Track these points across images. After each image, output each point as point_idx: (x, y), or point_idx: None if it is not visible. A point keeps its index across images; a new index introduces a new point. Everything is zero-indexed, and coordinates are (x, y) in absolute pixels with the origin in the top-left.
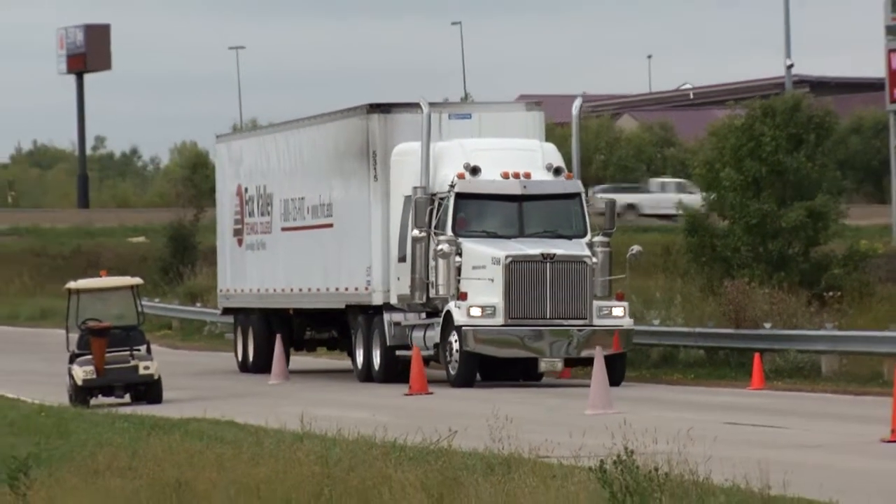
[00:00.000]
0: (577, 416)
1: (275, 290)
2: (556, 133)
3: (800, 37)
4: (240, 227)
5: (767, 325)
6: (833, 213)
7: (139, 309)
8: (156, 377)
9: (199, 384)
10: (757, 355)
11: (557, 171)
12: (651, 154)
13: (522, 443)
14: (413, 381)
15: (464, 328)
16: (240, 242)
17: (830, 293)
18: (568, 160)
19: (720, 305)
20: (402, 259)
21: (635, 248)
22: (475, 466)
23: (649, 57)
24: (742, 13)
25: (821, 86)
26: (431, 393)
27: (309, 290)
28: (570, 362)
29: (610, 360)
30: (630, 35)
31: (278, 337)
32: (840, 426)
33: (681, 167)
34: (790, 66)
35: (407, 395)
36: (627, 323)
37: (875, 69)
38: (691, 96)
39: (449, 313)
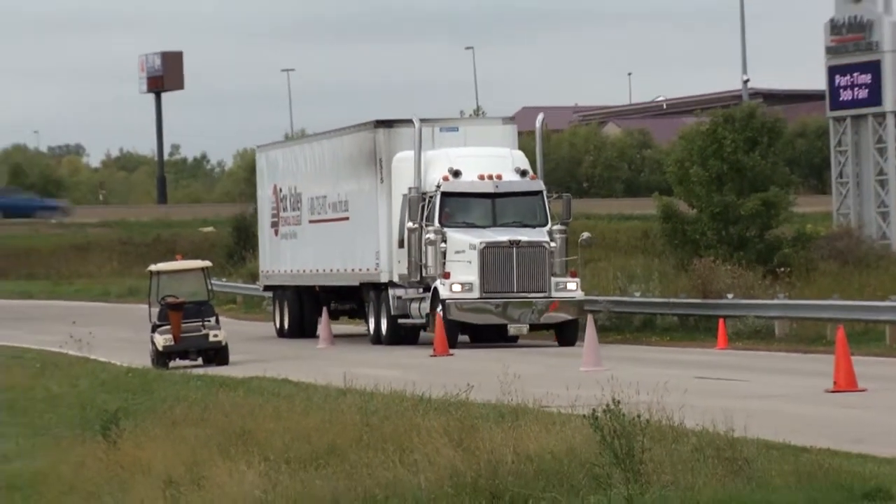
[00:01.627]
0: (572, 373)
1: (304, 271)
2: (552, 139)
3: (754, 56)
4: (276, 219)
5: (730, 296)
6: (783, 202)
7: (209, 287)
8: (223, 343)
9: (258, 349)
10: (721, 321)
11: (524, 174)
12: (632, 155)
13: (527, 395)
14: (437, 344)
15: (447, 301)
16: (276, 232)
17: (782, 269)
18: (535, 164)
19: (690, 280)
20: (401, 245)
21: (586, 234)
22: (489, 415)
23: (629, 74)
24: (706, 37)
25: (772, 97)
26: (452, 354)
27: (331, 270)
28: (533, 327)
29: (566, 325)
30: (614, 56)
31: (324, 309)
32: (791, 379)
33: (657, 166)
34: (746, 81)
35: (432, 356)
36: (579, 295)
37: (817, 83)
38: (664, 106)
39: (436, 289)
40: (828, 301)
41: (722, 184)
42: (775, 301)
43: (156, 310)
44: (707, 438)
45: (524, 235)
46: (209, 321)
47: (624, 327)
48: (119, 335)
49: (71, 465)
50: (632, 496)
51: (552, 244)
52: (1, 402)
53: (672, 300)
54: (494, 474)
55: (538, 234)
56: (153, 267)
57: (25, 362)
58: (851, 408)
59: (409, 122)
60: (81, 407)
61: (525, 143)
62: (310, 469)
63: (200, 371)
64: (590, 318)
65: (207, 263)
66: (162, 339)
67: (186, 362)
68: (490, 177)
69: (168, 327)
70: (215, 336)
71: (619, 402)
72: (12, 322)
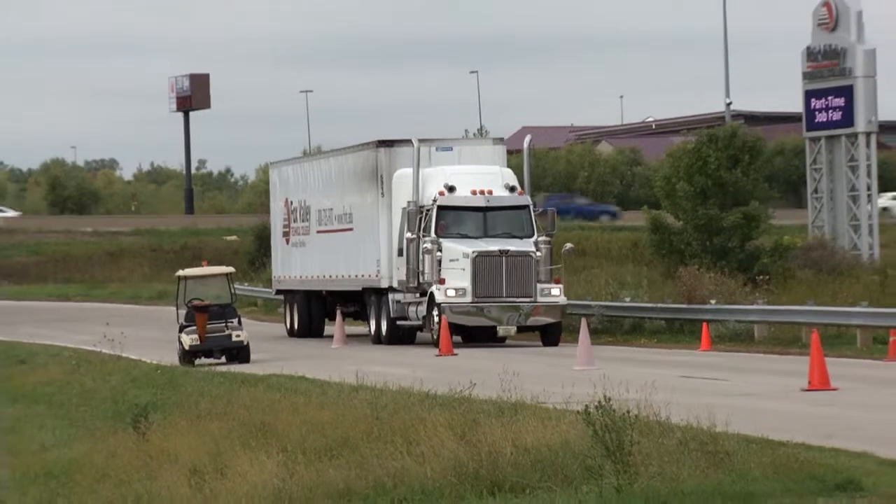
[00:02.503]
0: (567, 372)
1: (312, 277)
2: (549, 156)
3: (737, 81)
4: (287, 230)
5: (713, 302)
6: (762, 215)
7: (232, 291)
8: (245, 343)
9: (277, 348)
10: (705, 325)
11: (512, 189)
12: (623, 171)
13: (525, 392)
14: (442, 344)
15: (442, 304)
16: (287, 241)
17: (761, 277)
18: (523, 181)
19: (676, 286)
20: (400, 254)
21: (568, 245)
22: (489, 411)
23: (621, 97)
24: (692, 62)
25: (753, 118)
26: (456, 354)
27: (336, 276)
28: (520, 329)
29: (550, 327)
30: (607, 80)
31: (338, 312)
32: (769, 379)
33: (646, 181)
34: (729, 104)
35: (437, 356)
36: (562, 300)
37: (795, 106)
38: (654, 127)
39: (432, 294)
40: (803, 307)
41: (706, 198)
42: (755, 307)
43: (183, 312)
44: (691, 433)
45: (512, 245)
46: (232, 322)
47: (615, 330)
48: (149, 335)
49: (103, 455)
50: (621, 486)
51: (538, 254)
52: (40, 396)
53: (659, 305)
54: (495, 465)
55: (525, 245)
56: (181, 272)
57: (62, 360)
58: (825, 405)
59: (408, 141)
60: (114, 401)
61: (520, 160)
62: (324, 459)
63: (224, 369)
64: (583, 321)
65: (231, 269)
66: (188, 339)
67: (211, 360)
68: (482, 192)
69: (194, 328)
70: (238, 336)
71: (610, 399)
72: (50, 322)
